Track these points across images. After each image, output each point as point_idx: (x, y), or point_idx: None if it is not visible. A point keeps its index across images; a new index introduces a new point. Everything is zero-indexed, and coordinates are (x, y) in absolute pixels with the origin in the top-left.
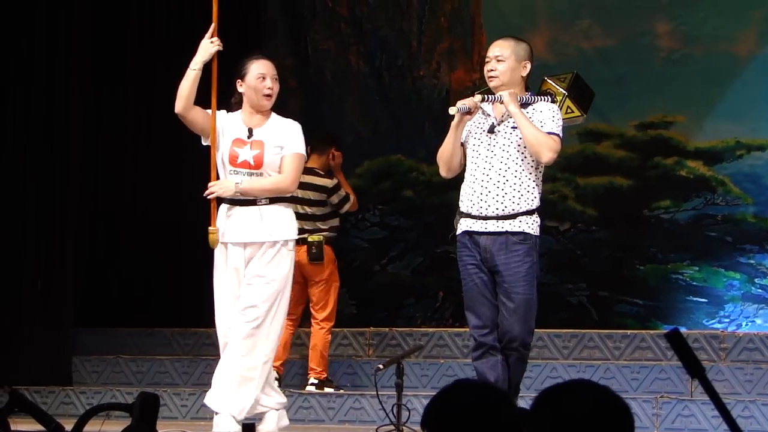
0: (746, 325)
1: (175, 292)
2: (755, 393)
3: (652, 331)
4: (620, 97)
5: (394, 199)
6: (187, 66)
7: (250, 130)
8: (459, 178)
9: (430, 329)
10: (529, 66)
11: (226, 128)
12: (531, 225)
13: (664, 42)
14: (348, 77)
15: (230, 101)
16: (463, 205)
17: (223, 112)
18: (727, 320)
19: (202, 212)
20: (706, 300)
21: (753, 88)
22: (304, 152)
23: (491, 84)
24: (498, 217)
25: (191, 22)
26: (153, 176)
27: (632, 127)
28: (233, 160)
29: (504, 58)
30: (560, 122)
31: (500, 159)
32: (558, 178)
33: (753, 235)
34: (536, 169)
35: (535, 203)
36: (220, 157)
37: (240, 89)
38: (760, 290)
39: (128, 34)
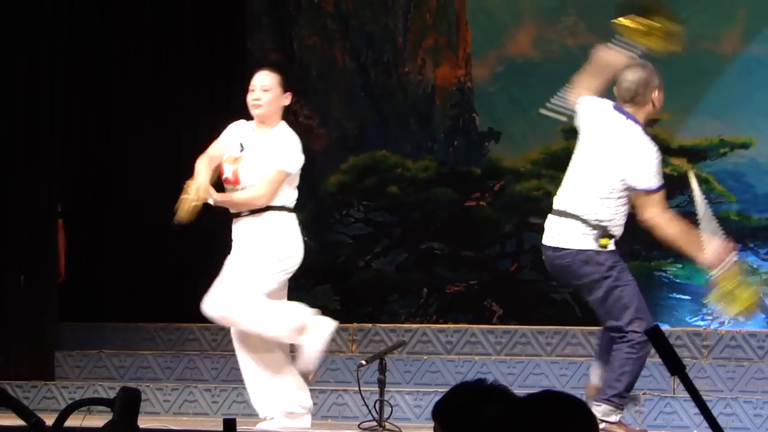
0: (729, 322)
1: (158, 287)
2: (737, 390)
3: None
4: (604, 94)
5: (379, 195)
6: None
7: (241, 145)
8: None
9: (414, 325)
10: None
11: (233, 141)
12: None
13: None
14: (333, 73)
15: None
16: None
17: (241, 122)
18: (710, 318)
19: None
20: (689, 297)
21: (737, 86)
22: (287, 169)
23: None
24: None
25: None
26: (138, 171)
27: None
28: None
29: None
30: None
31: None
32: (543, 174)
33: (736, 233)
34: None
35: None
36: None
37: None
38: None
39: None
